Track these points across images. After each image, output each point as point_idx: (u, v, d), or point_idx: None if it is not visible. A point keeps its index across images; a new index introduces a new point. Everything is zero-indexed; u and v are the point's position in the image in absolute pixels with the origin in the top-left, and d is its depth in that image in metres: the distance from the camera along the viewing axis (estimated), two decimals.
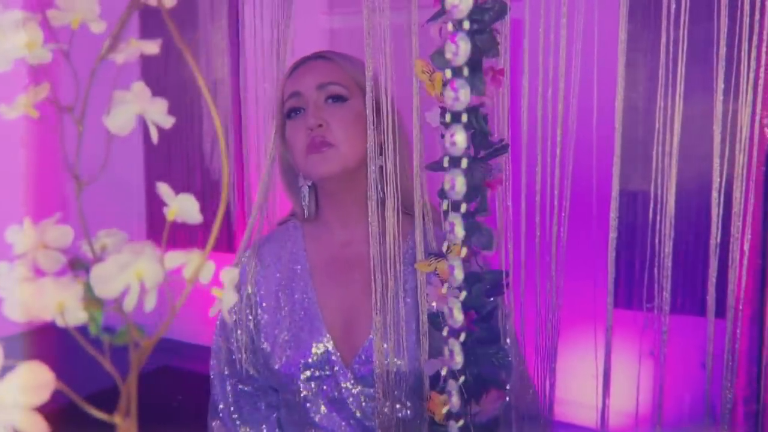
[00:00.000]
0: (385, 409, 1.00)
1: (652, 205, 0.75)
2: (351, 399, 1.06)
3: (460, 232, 0.80)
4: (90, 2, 0.36)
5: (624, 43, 0.73)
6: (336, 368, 1.06)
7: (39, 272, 0.37)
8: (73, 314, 0.35)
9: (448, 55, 0.77)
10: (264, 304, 1.12)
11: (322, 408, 1.07)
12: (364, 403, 1.05)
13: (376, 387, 1.00)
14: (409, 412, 1.03)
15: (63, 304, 0.35)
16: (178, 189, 0.38)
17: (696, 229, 2.61)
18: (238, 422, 1.15)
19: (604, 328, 0.78)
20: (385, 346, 0.97)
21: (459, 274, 0.81)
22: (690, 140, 0.83)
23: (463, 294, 0.81)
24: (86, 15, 0.36)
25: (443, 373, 0.84)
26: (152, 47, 0.38)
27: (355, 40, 0.90)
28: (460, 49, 0.75)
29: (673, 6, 0.72)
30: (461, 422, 0.83)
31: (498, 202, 0.85)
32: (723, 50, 0.72)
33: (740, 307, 0.75)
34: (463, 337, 0.82)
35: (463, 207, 0.79)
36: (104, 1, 0.38)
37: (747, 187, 0.74)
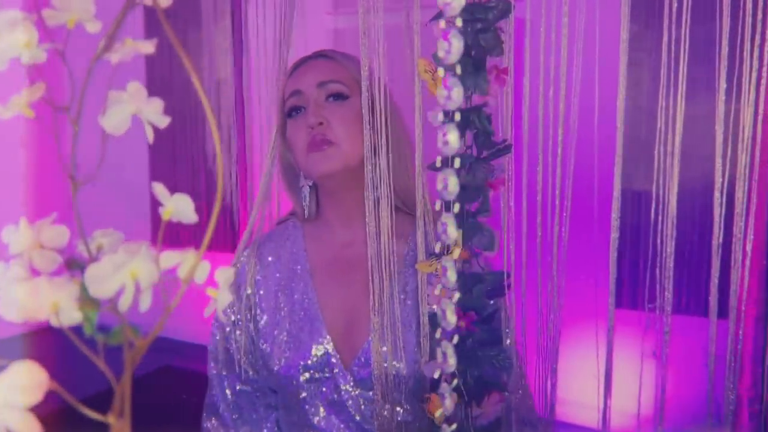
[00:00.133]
0: (384, 412, 1.00)
1: (653, 205, 0.75)
2: (350, 401, 1.05)
3: (453, 232, 0.79)
4: (85, 2, 0.36)
5: (626, 42, 0.73)
6: (335, 370, 1.05)
7: (35, 272, 0.37)
8: (68, 314, 0.35)
9: (441, 54, 0.76)
10: (263, 305, 1.11)
11: (321, 410, 1.06)
12: (363, 406, 1.04)
13: (374, 389, 0.99)
14: (408, 414, 1.02)
15: (57, 304, 0.35)
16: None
17: (701, 230, 2.61)
18: (238, 422, 1.14)
19: (606, 328, 0.77)
20: (384, 348, 0.97)
21: (452, 276, 0.80)
22: (692, 140, 0.82)
23: (457, 295, 0.80)
24: (82, 15, 0.36)
25: (435, 376, 0.83)
26: (148, 47, 0.38)
27: (359, 40, 0.90)
28: (453, 47, 0.74)
29: (675, 5, 0.71)
30: (453, 426, 0.83)
31: (503, 203, 0.85)
32: (725, 50, 0.71)
33: (743, 308, 0.75)
34: (456, 339, 0.81)
35: (456, 207, 0.79)
36: (100, 0, 0.38)
37: (749, 187, 0.73)
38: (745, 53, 0.71)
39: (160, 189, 0.37)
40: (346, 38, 3.70)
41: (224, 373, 1.15)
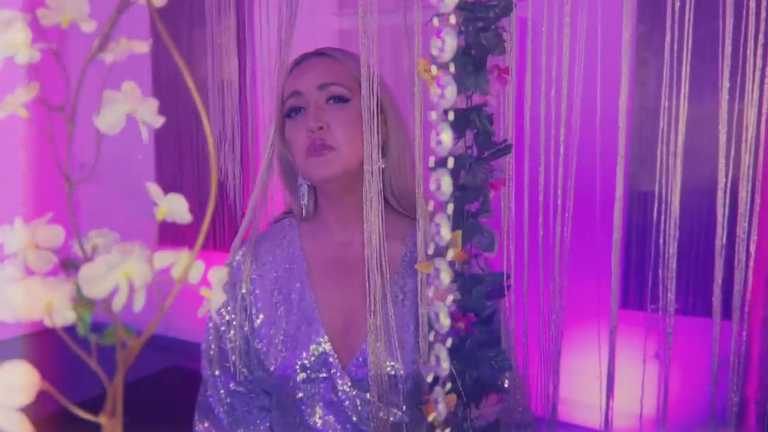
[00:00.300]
0: (381, 414, 0.99)
1: (656, 205, 0.74)
2: (347, 402, 1.03)
3: (446, 234, 0.78)
4: (80, 2, 0.36)
5: (628, 42, 0.73)
6: (333, 370, 1.04)
7: (30, 272, 0.37)
8: (61, 314, 0.35)
9: (434, 51, 0.74)
10: (259, 304, 1.10)
11: (318, 411, 1.05)
12: (360, 407, 1.03)
13: (371, 390, 0.99)
14: (405, 416, 1.01)
15: (51, 304, 0.35)
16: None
17: (705, 230, 2.60)
18: (233, 424, 1.13)
19: (608, 329, 0.77)
20: (378, 345, 0.96)
21: (445, 278, 0.79)
22: (695, 140, 0.82)
23: (450, 298, 0.80)
24: (76, 14, 0.36)
25: (429, 380, 0.82)
26: (142, 47, 0.38)
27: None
28: (446, 45, 0.73)
29: (678, 5, 0.71)
30: (448, 430, 0.82)
31: (503, 203, 0.84)
32: (728, 49, 0.71)
33: (746, 309, 0.75)
34: (449, 342, 0.80)
35: (450, 207, 0.78)
36: (95, 0, 0.38)
37: (753, 188, 0.73)
38: (748, 53, 0.71)
39: (153, 189, 0.37)
40: (352, 39, 3.71)
41: (217, 373, 1.13)
